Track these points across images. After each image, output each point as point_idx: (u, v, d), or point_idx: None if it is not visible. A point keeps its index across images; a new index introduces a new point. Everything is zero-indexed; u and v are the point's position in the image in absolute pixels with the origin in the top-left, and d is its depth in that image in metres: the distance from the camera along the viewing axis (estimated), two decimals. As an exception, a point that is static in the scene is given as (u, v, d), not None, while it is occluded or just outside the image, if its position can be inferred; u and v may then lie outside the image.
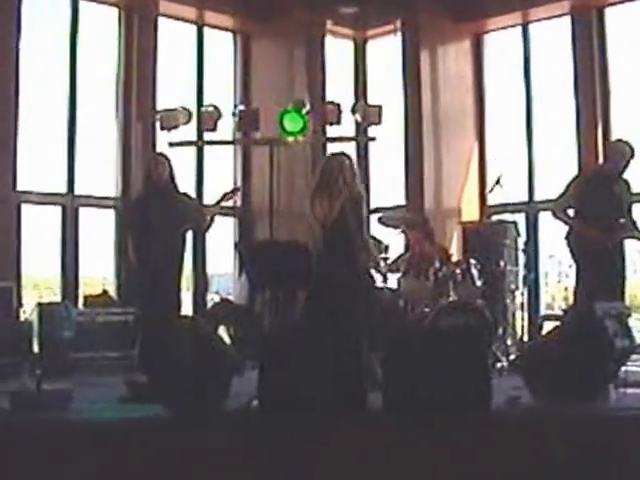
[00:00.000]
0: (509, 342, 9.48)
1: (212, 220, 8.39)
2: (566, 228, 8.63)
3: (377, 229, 10.07)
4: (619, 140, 8.80)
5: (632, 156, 8.54)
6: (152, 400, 6.12)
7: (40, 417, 5.85)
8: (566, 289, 10.46)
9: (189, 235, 8.71)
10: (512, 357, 9.05)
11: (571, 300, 8.92)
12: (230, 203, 9.49)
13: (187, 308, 11.43)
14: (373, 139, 11.51)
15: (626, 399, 6.32)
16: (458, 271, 9.20)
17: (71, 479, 5.45)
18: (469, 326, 8.31)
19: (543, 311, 11.44)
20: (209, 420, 5.85)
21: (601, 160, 10.62)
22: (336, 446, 5.54)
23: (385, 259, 9.47)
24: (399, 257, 9.73)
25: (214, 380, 6.11)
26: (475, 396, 5.77)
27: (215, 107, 10.77)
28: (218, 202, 8.07)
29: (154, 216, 7.95)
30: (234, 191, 8.12)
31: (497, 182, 9.68)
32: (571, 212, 8.64)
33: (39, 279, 11.40)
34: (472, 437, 5.57)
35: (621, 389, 6.48)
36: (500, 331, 9.36)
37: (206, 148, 11.87)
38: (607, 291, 8.05)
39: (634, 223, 8.65)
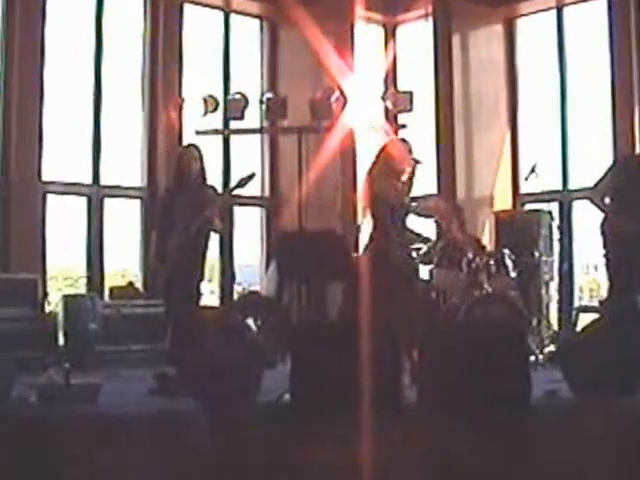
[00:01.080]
0: (544, 334, 9.31)
1: (225, 210, 8.18)
2: (600, 217, 8.44)
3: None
4: None
5: None
6: (182, 393, 6.02)
7: (69, 411, 5.75)
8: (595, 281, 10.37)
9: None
10: (547, 350, 8.90)
11: (601, 292, 8.74)
12: (257, 190, 9.31)
13: (213, 300, 11.33)
14: (404, 126, 11.31)
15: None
16: (492, 262, 9.03)
17: (100, 474, 5.37)
18: (507, 318, 8.18)
19: (577, 303, 11.24)
20: (240, 414, 5.73)
21: (638, 146, 10.43)
22: (370, 442, 5.41)
23: (417, 249, 9.31)
24: (432, 247, 9.54)
25: (246, 373, 5.99)
26: (515, 390, 5.65)
27: (242, 95, 10.64)
28: (234, 188, 7.84)
29: (180, 212, 7.77)
30: (250, 177, 7.89)
31: (532, 170, 9.48)
32: (607, 200, 8.42)
33: (64, 271, 11.28)
34: (511, 431, 5.44)
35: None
36: (534, 323, 9.19)
37: (233, 137, 11.71)
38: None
39: None
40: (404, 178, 7.57)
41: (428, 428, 5.52)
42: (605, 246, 8.26)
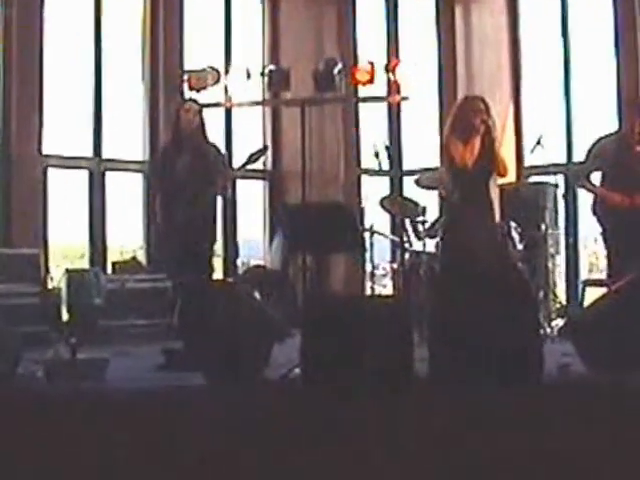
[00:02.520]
0: (551, 308, 9.27)
1: (233, 182, 8.07)
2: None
3: (413, 191, 9.90)
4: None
5: None
6: (191, 368, 5.97)
7: (76, 386, 5.69)
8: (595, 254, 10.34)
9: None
10: (554, 323, 8.87)
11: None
12: (259, 164, 9.20)
13: (217, 274, 11.27)
14: (406, 98, 11.22)
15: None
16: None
17: (108, 449, 5.31)
18: (517, 291, 8.13)
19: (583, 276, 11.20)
20: (250, 388, 5.69)
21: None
22: (381, 416, 5.37)
23: (423, 222, 9.26)
24: (437, 220, 9.47)
25: (255, 347, 5.94)
26: (526, 363, 5.61)
27: (243, 67, 10.53)
28: (245, 164, 7.70)
29: (182, 168, 7.61)
30: (262, 151, 7.76)
31: (538, 142, 9.41)
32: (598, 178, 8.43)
33: (66, 245, 11.21)
34: (522, 404, 5.40)
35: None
36: (541, 296, 9.13)
37: (235, 109, 11.61)
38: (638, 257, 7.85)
39: None
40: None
41: (439, 402, 5.47)
42: (600, 225, 8.27)
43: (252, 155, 7.55)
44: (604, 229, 8.27)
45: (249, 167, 7.83)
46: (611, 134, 8.35)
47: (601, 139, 8.36)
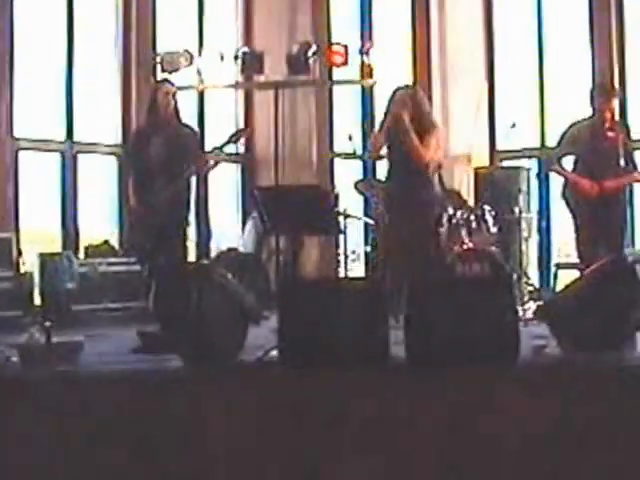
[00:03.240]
0: (524, 291, 9.31)
1: (217, 164, 8.01)
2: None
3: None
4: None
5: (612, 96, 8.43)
6: (166, 351, 5.94)
7: (51, 370, 5.66)
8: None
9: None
10: (527, 306, 8.90)
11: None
12: (232, 146, 9.16)
13: (190, 257, 11.23)
14: (379, 82, 11.22)
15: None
16: (472, 218, 9.00)
17: (84, 432, 5.30)
18: (495, 274, 8.19)
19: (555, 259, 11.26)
20: (226, 371, 5.67)
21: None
22: (357, 398, 5.38)
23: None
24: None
25: (231, 329, 5.92)
26: (503, 346, 5.62)
27: (217, 50, 10.50)
28: (224, 145, 7.66)
29: (158, 150, 7.57)
30: (241, 131, 7.73)
31: (512, 126, 9.46)
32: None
33: (38, 229, 11.12)
34: (499, 387, 5.41)
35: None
36: (515, 279, 9.17)
37: (208, 92, 11.56)
38: (606, 242, 8.07)
39: (635, 167, 8.46)
40: None
41: (414, 382, 5.48)
42: (569, 209, 8.35)
43: (232, 136, 7.54)
44: (573, 214, 8.34)
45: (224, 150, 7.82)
46: (584, 120, 8.40)
47: (574, 124, 8.42)
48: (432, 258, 7.48)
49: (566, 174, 8.41)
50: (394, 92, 7.93)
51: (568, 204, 8.41)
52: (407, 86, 8.41)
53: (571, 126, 8.43)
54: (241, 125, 11.95)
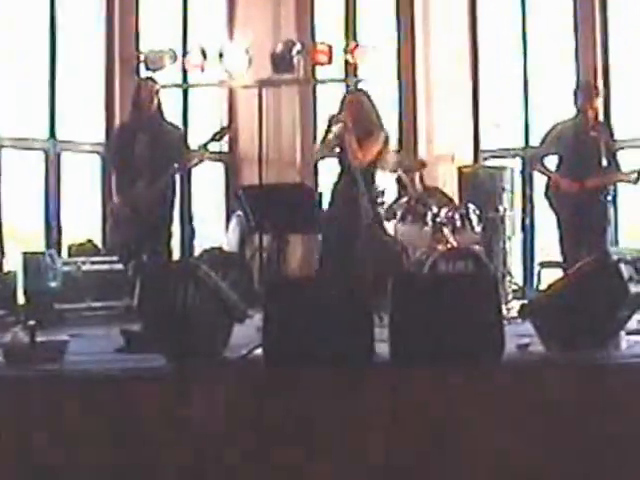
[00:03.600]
0: (508, 289, 9.34)
1: (201, 161, 8.00)
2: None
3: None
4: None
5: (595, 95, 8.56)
6: (151, 350, 5.93)
7: (35, 369, 5.63)
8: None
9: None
10: (511, 305, 8.92)
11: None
12: (215, 145, 9.16)
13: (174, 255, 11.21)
14: (364, 80, 11.23)
15: (637, 347, 6.21)
16: (457, 216, 9.02)
17: (69, 432, 5.28)
18: (479, 272, 8.20)
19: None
20: (210, 369, 5.66)
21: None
22: (342, 398, 5.37)
23: (381, 204, 9.26)
24: (395, 202, 9.50)
25: (216, 328, 5.91)
26: (487, 344, 5.63)
27: (201, 47, 10.49)
28: (209, 142, 7.65)
29: (141, 148, 7.56)
30: (224, 129, 7.73)
31: (497, 126, 9.49)
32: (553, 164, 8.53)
33: (21, 228, 11.08)
34: (483, 384, 5.43)
35: (633, 336, 6.38)
36: (499, 277, 9.19)
37: (192, 90, 11.55)
38: (588, 241, 8.15)
39: (618, 167, 8.54)
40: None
41: (400, 381, 5.48)
42: (552, 208, 8.39)
43: (215, 134, 7.54)
44: (556, 213, 8.39)
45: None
46: (567, 120, 8.46)
47: (558, 124, 8.47)
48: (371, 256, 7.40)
49: (548, 173, 8.47)
50: (344, 95, 7.96)
51: (551, 203, 8.47)
52: (357, 89, 8.38)
53: (555, 126, 8.49)
54: (225, 123, 11.93)
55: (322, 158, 7.68)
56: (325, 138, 7.53)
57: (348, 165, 7.52)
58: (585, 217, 8.19)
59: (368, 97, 7.73)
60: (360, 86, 11.23)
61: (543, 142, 8.55)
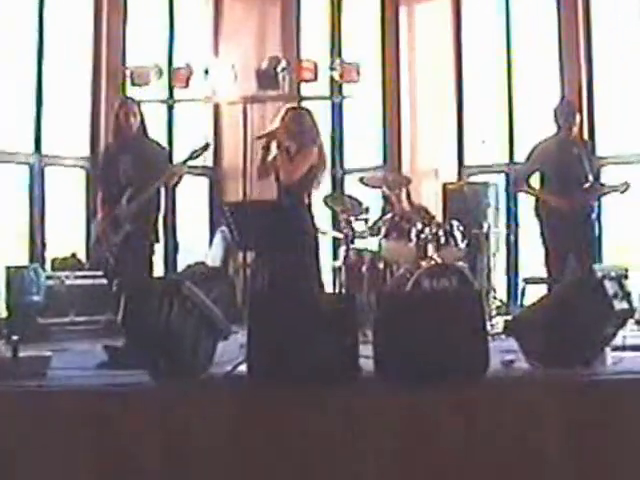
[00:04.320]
0: (492, 306, 9.35)
1: (180, 178, 8.00)
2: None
3: (356, 189, 9.94)
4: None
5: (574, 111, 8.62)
6: (134, 366, 5.91)
7: (18, 385, 5.61)
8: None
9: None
10: (495, 321, 8.93)
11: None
12: (200, 160, 9.14)
13: (157, 270, 11.18)
14: (349, 97, 11.26)
15: (623, 363, 6.22)
16: (441, 233, 9.03)
17: (52, 448, 5.26)
18: (463, 288, 8.21)
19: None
20: (195, 386, 5.65)
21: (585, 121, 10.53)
22: (326, 413, 5.37)
23: (365, 220, 9.29)
24: (380, 219, 9.51)
25: (200, 344, 5.90)
26: (472, 360, 5.63)
27: (187, 64, 10.49)
28: (187, 159, 7.65)
29: (124, 166, 7.55)
30: (204, 147, 7.71)
31: (482, 142, 9.51)
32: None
33: (5, 242, 11.04)
34: (468, 400, 5.43)
35: (618, 352, 6.40)
36: (483, 294, 9.20)
37: (177, 106, 11.54)
38: (576, 258, 8.17)
39: (601, 183, 8.65)
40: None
41: (385, 398, 5.48)
42: (541, 227, 8.40)
43: (195, 151, 7.52)
44: (546, 231, 8.40)
45: (190, 163, 7.79)
46: (549, 137, 8.49)
47: (540, 143, 8.51)
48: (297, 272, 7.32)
49: (535, 193, 8.49)
50: (285, 110, 7.83)
51: (541, 222, 8.46)
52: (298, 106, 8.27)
53: (536, 145, 8.53)
54: (210, 139, 11.93)
55: (260, 178, 7.50)
56: (264, 158, 7.45)
57: (280, 181, 7.42)
58: (574, 234, 8.21)
59: (310, 114, 7.62)
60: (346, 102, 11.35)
61: (527, 161, 8.59)
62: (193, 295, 6.05)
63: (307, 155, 7.30)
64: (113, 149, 7.75)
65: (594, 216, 8.57)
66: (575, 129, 8.47)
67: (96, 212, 7.87)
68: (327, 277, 10.68)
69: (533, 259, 10.94)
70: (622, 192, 8.37)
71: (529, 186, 8.56)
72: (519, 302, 9.81)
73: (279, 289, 7.06)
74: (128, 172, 7.47)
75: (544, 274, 8.58)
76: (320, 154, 7.40)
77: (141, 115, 7.66)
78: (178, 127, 11.79)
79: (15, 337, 6.02)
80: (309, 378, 5.45)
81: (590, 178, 8.39)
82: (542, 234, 8.48)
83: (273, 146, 7.33)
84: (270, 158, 7.35)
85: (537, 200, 8.52)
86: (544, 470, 5.32)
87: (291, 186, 7.27)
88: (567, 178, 8.29)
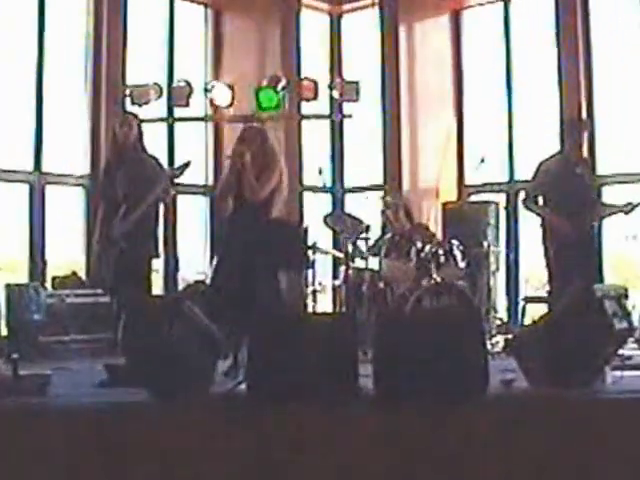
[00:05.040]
0: (492, 324, 9.35)
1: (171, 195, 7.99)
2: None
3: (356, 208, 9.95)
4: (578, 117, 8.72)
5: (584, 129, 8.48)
6: (134, 384, 5.90)
7: (18, 403, 5.60)
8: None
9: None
10: (495, 340, 8.93)
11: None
12: (201, 179, 9.17)
13: (157, 289, 11.17)
14: (349, 116, 11.25)
15: (623, 382, 6.22)
16: (441, 252, 9.03)
17: (52, 466, 5.24)
18: (463, 307, 8.20)
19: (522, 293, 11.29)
20: (195, 404, 5.64)
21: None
22: (325, 431, 5.36)
23: (366, 239, 9.29)
24: (380, 238, 9.52)
25: (200, 363, 5.90)
26: (472, 379, 5.63)
27: (187, 82, 10.49)
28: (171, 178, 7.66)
29: (120, 182, 7.55)
30: (185, 165, 7.70)
31: (482, 161, 9.50)
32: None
33: (5, 260, 11.04)
34: (468, 420, 5.41)
35: (618, 372, 6.39)
36: (483, 313, 9.20)
37: (177, 125, 11.55)
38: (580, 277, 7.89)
39: (602, 203, 8.62)
40: None
41: (384, 419, 5.47)
42: (545, 242, 8.33)
43: (177, 169, 7.52)
44: (548, 249, 8.31)
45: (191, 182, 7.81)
46: (553, 155, 8.43)
47: (543, 162, 8.43)
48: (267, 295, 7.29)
49: (540, 212, 8.33)
50: (243, 129, 7.82)
51: (545, 241, 8.34)
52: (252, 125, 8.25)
53: (540, 164, 8.45)
54: (210, 158, 11.99)
55: (221, 199, 7.48)
56: (227, 179, 7.46)
57: (245, 200, 7.39)
58: (575, 254, 8.13)
59: (266, 134, 7.65)
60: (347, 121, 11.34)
61: (532, 180, 8.51)
62: (193, 314, 6.06)
63: (273, 174, 7.35)
64: (111, 165, 7.75)
65: (595, 235, 8.51)
66: (578, 148, 8.40)
67: (95, 229, 7.88)
68: (328, 296, 10.77)
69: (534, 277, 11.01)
70: (627, 213, 8.29)
71: (535, 204, 8.45)
72: (519, 321, 9.80)
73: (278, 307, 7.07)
74: (123, 187, 7.46)
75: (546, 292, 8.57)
76: (281, 174, 7.45)
77: (139, 130, 7.66)
78: (178, 146, 11.79)
79: (15, 355, 6.01)
80: (309, 397, 5.44)
81: (593, 198, 8.33)
82: (545, 253, 8.42)
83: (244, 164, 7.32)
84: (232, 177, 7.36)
85: (542, 219, 8.43)
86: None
87: (258, 203, 7.29)
88: (571, 198, 8.20)
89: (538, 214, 8.41)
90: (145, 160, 7.67)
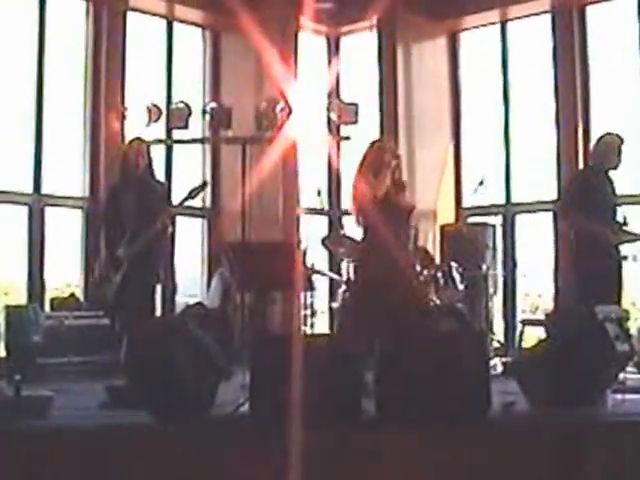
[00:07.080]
0: (491, 347, 9.34)
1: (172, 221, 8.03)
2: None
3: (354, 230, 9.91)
4: (608, 133, 8.40)
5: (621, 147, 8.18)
6: (135, 406, 5.90)
7: (20, 424, 5.60)
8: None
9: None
10: (493, 362, 8.93)
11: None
12: (198, 201, 9.16)
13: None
14: (348, 138, 11.30)
15: (624, 405, 6.23)
16: (440, 274, 9.03)
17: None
18: (463, 330, 8.21)
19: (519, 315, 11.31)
20: (196, 427, 5.64)
21: (580, 161, 10.56)
22: (328, 453, 5.35)
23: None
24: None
25: (202, 385, 5.90)
26: (473, 401, 5.64)
27: (185, 104, 10.53)
28: (185, 199, 7.67)
29: (127, 207, 7.58)
30: (202, 186, 7.73)
31: (480, 183, 9.54)
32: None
33: (4, 281, 11.04)
34: (469, 443, 5.42)
35: (619, 395, 6.40)
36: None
37: (176, 146, 11.58)
38: (605, 294, 7.64)
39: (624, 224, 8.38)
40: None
41: (387, 440, 5.47)
42: (573, 257, 8.12)
43: (192, 191, 7.55)
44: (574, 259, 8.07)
45: (188, 203, 7.81)
46: (587, 169, 8.30)
47: (580, 174, 8.28)
48: None
49: (580, 222, 8.02)
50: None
51: (577, 249, 8.18)
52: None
53: (576, 176, 8.23)
54: (208, 180, 11.96)
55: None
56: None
57: None
58: (607, 269, 7.88)
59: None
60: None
61: (565, 192, 8.28)
62: (195, 335, 6.07)
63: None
64: (118, 188, 7.78)
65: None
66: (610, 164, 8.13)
67: (98, 251, 7.89)
68: (326, 318, 10.78)
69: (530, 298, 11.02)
70: None
71: (572, 215, 8.11)
72: (517, 343, 9.80)
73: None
74: (130, 211, 7.49)
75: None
76: None
77: (149, 157, 7.72)
78: (177, 168, 11.81)
79: (17, 377, 6.01)
80: (311, 418, 5.44)
81: (616, 217, 8.13)
82: (574, 265, 8.20)
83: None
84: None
85: (577, 232, 8.10)
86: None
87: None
88: (606, 212, 8.00)
89: (575, 224, 8.11)
90: (154, 186, 7.72)
